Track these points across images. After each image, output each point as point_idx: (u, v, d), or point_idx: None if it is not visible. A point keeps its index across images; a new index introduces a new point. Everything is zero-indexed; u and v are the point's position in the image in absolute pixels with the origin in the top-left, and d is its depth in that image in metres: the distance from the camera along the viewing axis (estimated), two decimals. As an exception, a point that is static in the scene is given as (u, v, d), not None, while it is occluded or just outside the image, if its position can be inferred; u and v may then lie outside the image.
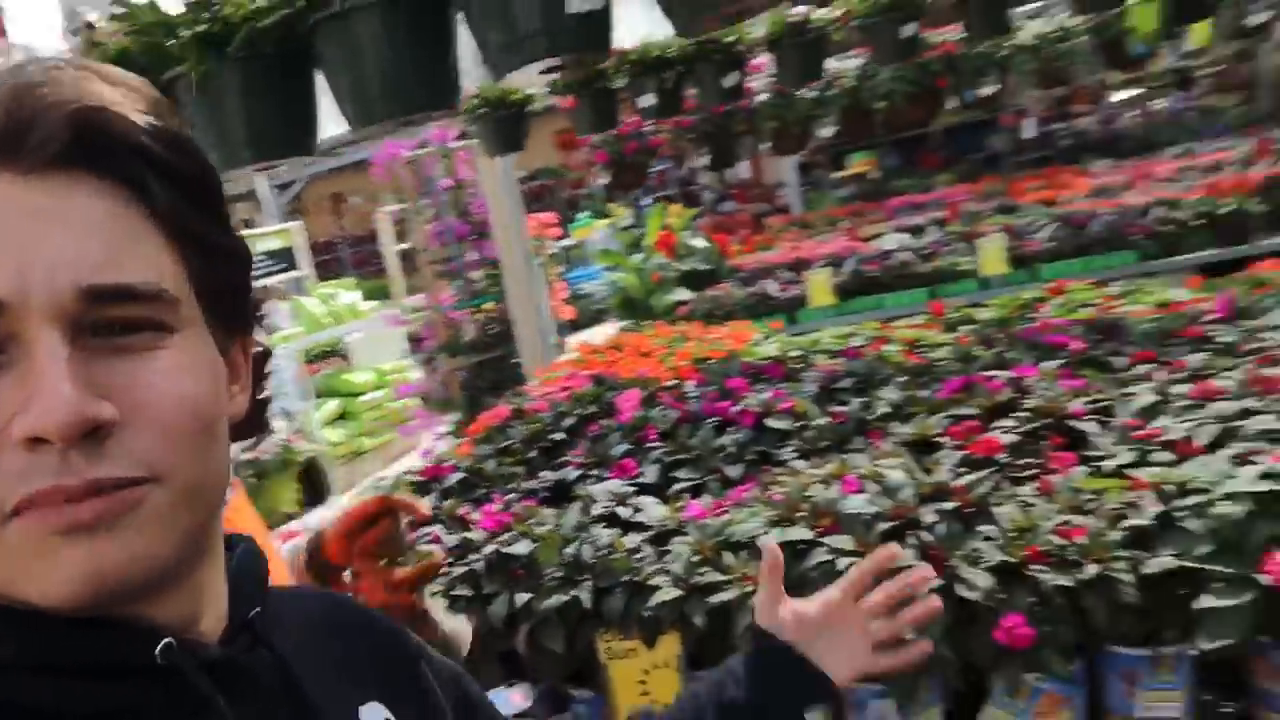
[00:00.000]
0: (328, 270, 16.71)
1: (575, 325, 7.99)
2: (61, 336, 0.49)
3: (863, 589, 1.05)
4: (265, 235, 9.27)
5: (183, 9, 1.37)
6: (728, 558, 1.75)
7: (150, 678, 0.53)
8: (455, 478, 2.47)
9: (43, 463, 0.48)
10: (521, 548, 1.94)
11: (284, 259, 8.98)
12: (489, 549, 1.98)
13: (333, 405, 7.71)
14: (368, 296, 10.38)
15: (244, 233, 8.99)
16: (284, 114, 1.45)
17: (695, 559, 1.78)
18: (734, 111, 5.00)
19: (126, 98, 0.53)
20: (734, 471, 2.18)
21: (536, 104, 3.44)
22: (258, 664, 0.60)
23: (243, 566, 0.62)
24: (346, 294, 8.56)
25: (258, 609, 0.61)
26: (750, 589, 1.65)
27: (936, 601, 1.04)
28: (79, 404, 0.48)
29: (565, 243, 10.97)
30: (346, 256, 17.71)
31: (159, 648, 0.53)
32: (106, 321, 0.50)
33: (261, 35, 1.33)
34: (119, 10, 1.39)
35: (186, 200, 0.54)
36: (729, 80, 3.20)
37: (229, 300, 0.59)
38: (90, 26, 1.66)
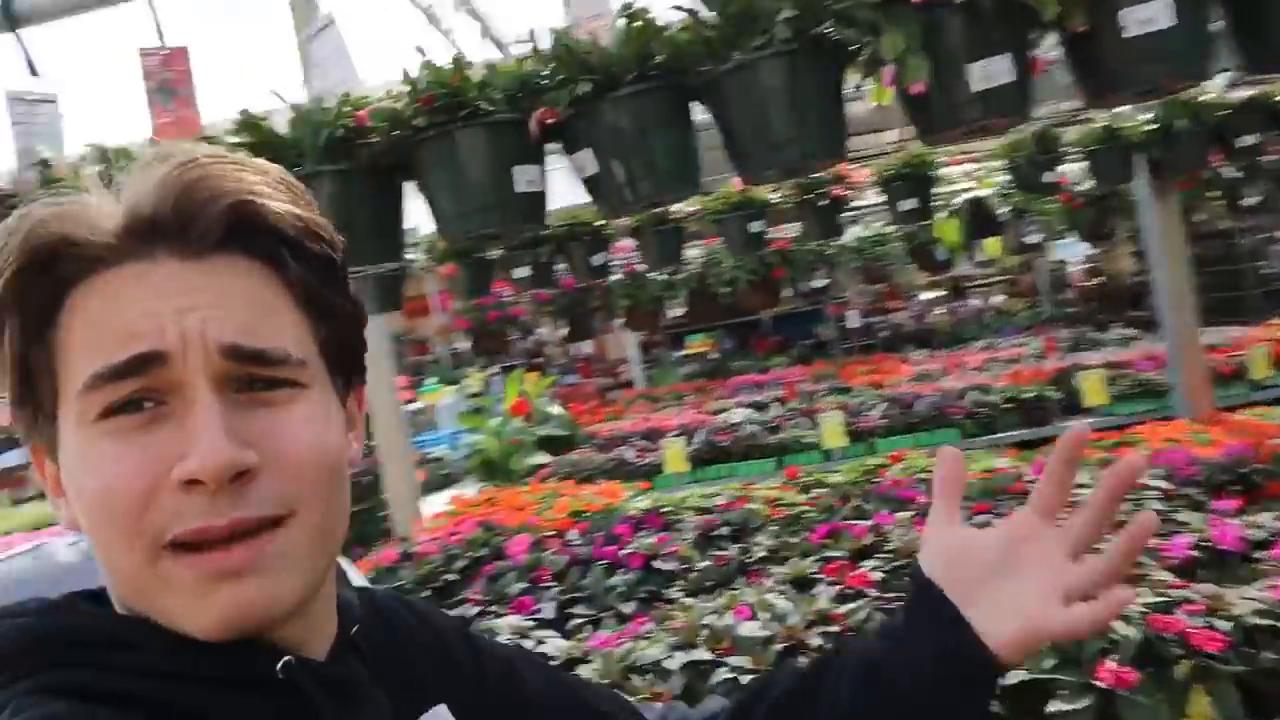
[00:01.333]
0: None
1: (424, 487, 7.95)
2: (213, 389, 0.57)
3: (1058, 504, 0.77)
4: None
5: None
6: (636, 680, 1.89)
7: (271, 690, 0.61)
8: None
9: (195, 504, 0.56)
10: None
11: None
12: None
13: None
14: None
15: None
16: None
17: (605, 683, 1.91)
18: (589, 289, 5.38)
19: (272, 187, 0.62)
20: (628, 608, 2.34)
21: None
22: (357, 675, 0.68)
23: (344, 591, 0.71)
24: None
25: (356, 627, 0.70)
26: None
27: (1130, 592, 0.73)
28: (229, 451, 0.56)
29: (412, 406, 10.98)
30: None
31: (280, 664, 0.60)
32: (249, 378, 0.59)
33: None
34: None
35: (315, 273, 0.63)
36: (597, 259, 3.55)
37: (348, 356, 0.67)
38: (45, 164, 1.79)
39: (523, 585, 2.49)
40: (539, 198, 1.74)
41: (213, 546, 0.57)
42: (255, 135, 1.53)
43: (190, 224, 0.58)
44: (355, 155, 1.53)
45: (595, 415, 7.53)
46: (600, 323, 6.19)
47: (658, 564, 2.50)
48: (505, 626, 2.24)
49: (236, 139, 1.55)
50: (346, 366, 0.67)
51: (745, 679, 1.75)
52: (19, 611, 0.60)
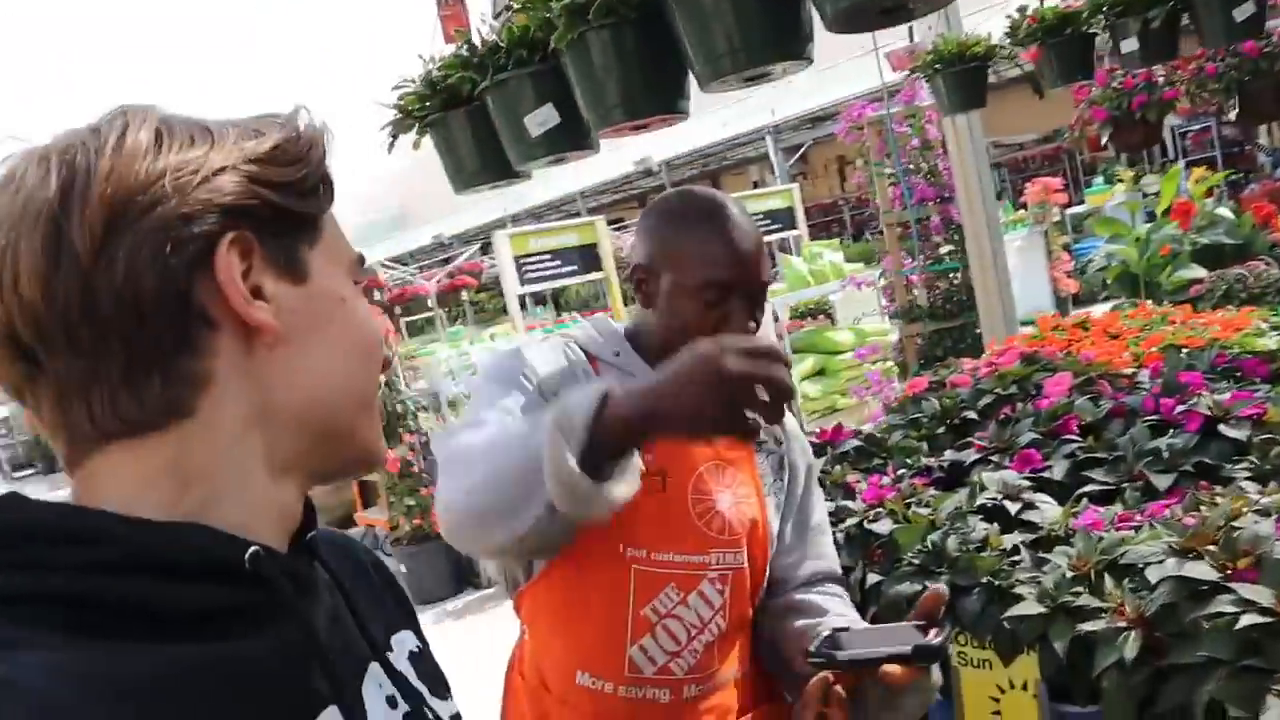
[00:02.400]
0: (830, 231, 17.10)
1: (1078, 300, 7.24)
2: None
3: None
4: (768, 195, 9.72)
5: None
6: (1109, 582, 1.47)
7: (237, 582, 0.58)
8: (851, 444, 2.39)
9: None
10: (883, 527, 1.82)
11: (784, 219, 9.35)
12: (853, 522, 1.89)
13: (810, 361, 7.90)
14: (859, 258, 10.41)
15: (750, 193, 9.50)
16: (648, 76, 1.49)
17: (1071, 575, 1.53)
18: (1276, 52, 4.07)
19: None
20: (1162, 482, 1.82)
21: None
22: (317, 578, 0.67)
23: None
24: (830, 254, 8.65)
25: (314, 531, 0.67)
26: (1124, 625, 1.37)
27: None
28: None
29: (1076, 209, 9.97)
30: (848, 218, 17.93)
31: (248, 554, 0.57)
32: None
33: (619, 1, 1.38)
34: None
35: None
36: (1241, 12, 2.60)
37: None
38: (509, 8, 1.84)
39: (1036, 435, 2.09)
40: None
41: None
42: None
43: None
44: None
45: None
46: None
47: (1224, 429, 1.88)
48: (995, 482, 1.91)
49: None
50: None
51: (1247, 621, 1.23)
52: None
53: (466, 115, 1.89)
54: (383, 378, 0.80)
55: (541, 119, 1.72)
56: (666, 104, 1.55)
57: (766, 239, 8.27)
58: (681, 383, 0.96)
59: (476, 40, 1.79)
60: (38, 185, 0.55)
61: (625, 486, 1.03)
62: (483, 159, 1.94)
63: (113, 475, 0.58)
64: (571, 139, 1.76)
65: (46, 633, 0.52)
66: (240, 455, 0.60)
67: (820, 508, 1.51)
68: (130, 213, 0.55)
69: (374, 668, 0.67)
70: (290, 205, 0.62)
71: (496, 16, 1.84)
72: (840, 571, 1.51)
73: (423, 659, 0.75)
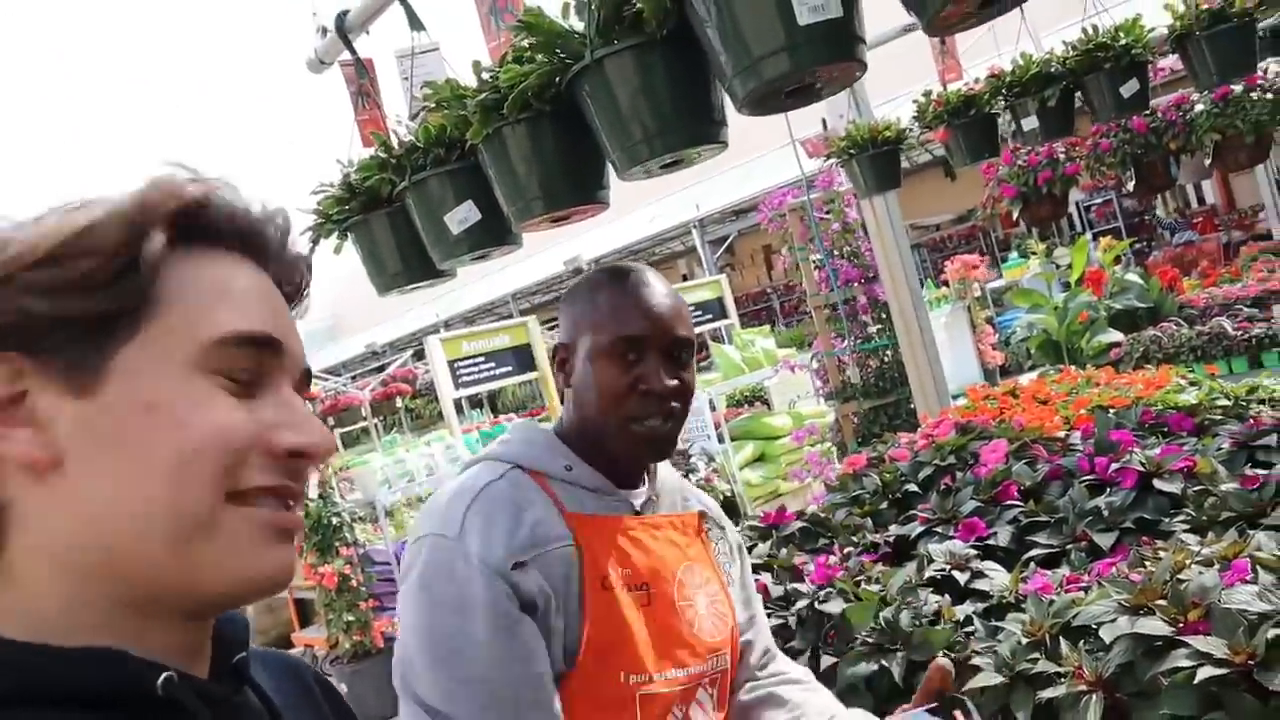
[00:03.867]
0: (760, 319, 17.39)
1: (1005, 371, 7.40)
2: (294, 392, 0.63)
3: None
4: (697, 286, 9.87)
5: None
6: (1064, 646, 1.45)
7: (148, 710, 0.54)
8: (795, 526, 2.36)
9: (285, 468, 0.59)
10: (834, 606, 1.79)
11: (714, 308, 9.48)
12: (803, 604, 1.85)
13: (750, 449, 7.91)
14: (790, 343, 10.55)
15: (680, 285, 9.54)
16: (565, 167, 1.49)
17: (1026, 642, 1.51)
18: (1161, 126, 4.30)
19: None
20: (1105, 540, 1.83)
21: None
22: (246, 706, 0.62)
23: (232, 614, 0.64)
24: (762, 340, 8.77)
25: (244, 654, 0.63)
26: (1084, 689, 1.35)
27: None
28: (333, 440, 0.63)
29: (994, 284, 10.29)
30: (777, 305, 18.28)
31: (160, 680, 0.53)
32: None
33: (533, 96, 1.39)
34: (428, 91, 1.55)
35: None
36: (1127, 89, 2.74)
37: None
38: (425, 109, 1.85)
39: (978, 503, 2.09)
40: (839, 26, 1.25)
41: (274, 507, 0.59)
42: (538, 33, 1.40)
43: (281, 260, 0.66)
44: (640, 27, 1.31)
45: (1208, 279, 6.26)
46: (1189, 167, 5.00)
47: (1159, 483, 1.91)
48: (942, 553, 1.90)
49: (523, 42, 1.43)
50: None
51: (1204, 674, 1.22)
52: None
53: (387, 216, 1.88)
54: (314, 483, 0.75)
55: (461, 216, 1.71)
56: (586, 194, 1.55)
57: (698, 329, 8.34)
58: None
59: (394, 142, 1.79)
60: None
61: None
62: (404, 259, 1.92)
63: None
64: (493, 235, 1.75)
65: None
66: (81, 592, 0.55)
67: (749, 574, 1.47)
68: None
69: None
70: (68, 311, 0.54)
71: (413, 118, 1.85)
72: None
73: None
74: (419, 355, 15.51)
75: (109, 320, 0.55)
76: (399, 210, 1.85)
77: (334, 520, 5.68)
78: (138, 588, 0.55)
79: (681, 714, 1.24)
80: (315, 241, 2.00)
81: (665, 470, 1.40)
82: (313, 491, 5.61)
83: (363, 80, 2.01)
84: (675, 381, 1.25)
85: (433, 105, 1.58)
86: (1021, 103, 3.09)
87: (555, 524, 1.20)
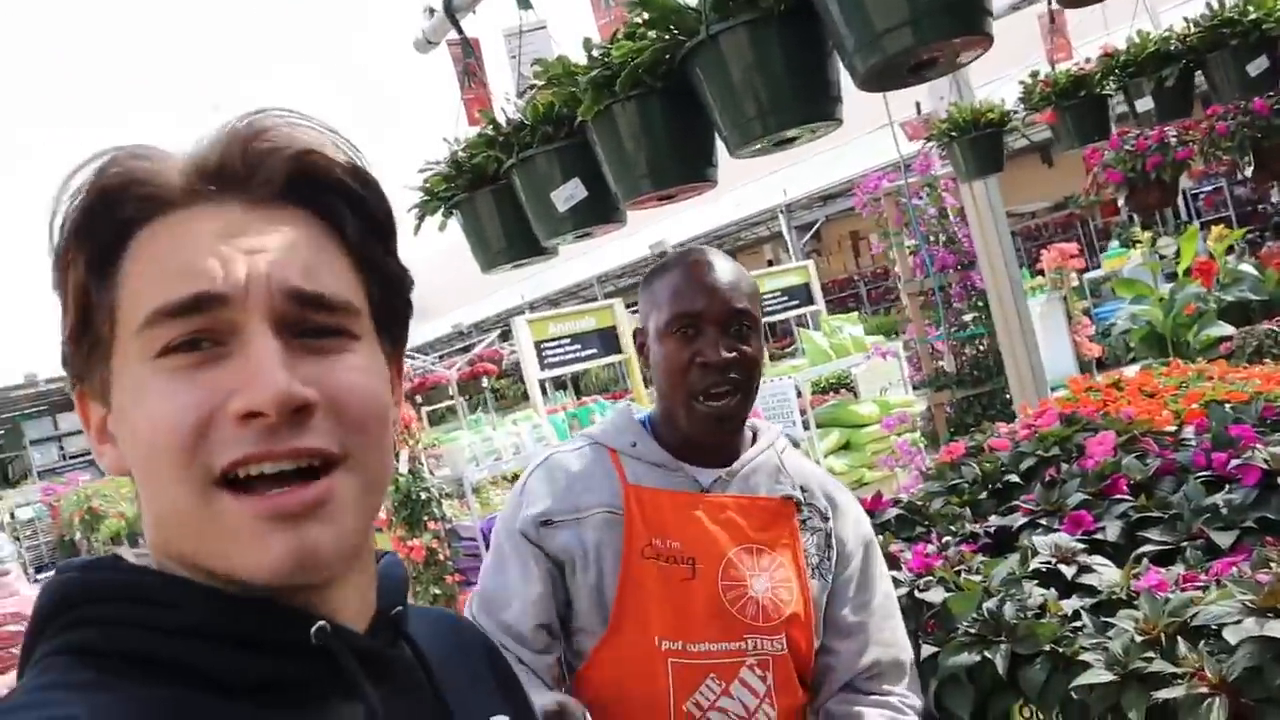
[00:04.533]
0: (847, 306, 17.14)
1: (1102, 364, 7.16)
2: (272, 331, 0.57)
3: None
4: (784, 272, 9.78)
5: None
6: (1181, 646, 1.40)
7: (304, 656, 0.57)
8: (892, 512, 2.32)
9: (253, 434, 0.55)
10: (934, 595, 1.75)
11: (800, 294, 9.39)
12: (902, 592, 1.82)
13: (835, 436, 7.82)
14: (878, 331, 10.38)
15: (765, 270, 9.51)
16: (675, 145, 1.49)
17: (1140, 640, 1.46)
18: (1284, 107, 4.09)
19: (334, 144, 0.62)
20: (1224, 539, 1.75)
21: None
22: (399, 659, 0.64)
23: (389, 570, 0.67)
24: (850, 327, 8.65)
25: (400, 608, 0.65)
26: (1206, 691, 1.30)
27: None
28: (289, 384, 0.55)
29: (1092, 274, 9.95)
30: (864, 292, 18.00)
31: (314, 629, 0.57)
32: (305, 325, 0.58)
33: (645, 72, 1.39)
34: (537, 69, 1.56)
35: (372, 233, 0.63)
36: (1255, 67, 2.61)
37: (396, 319, 0.67)
38: (534, 86, 1.86)
39: (1085, 496, 2.02)
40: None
41: (270, 487, 0.55)
42: (653, 9, 1.39)
43: (254, 172, 0.59)
44: (757, 2, 1.30)
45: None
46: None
47: (1284, 482, 1.82)
48: (1047, 545, 1.85)
49: (637, 17, 1.43)
50: (393, 329, 0.67)
51: (1340, 676, 1.16)
52: (67, 567, 0.61)
53: (492, 194, 1.90)
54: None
55: (568, 194, 1.72)
56: (694, 172, 1.54)
57: (783, 315, 8.22)
58: None
59: (501, 119, 1.81)
60: None
61: None
62: (508, 237, 1.94)
63: None
64: (598, 212, 1.76)
65: (118, 680, 0.53)
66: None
67: (883, 587, 1.46)
68: None
69: None
70: (72, 337, 0.61)
71: (520, 95, 1.86)
72: (908, 657, 1.45)
73: None
74: (505, 336, 15.73)
75: (95, 339, 0.59)
76: (504, 188, 1.87)
77: (422, 495, 5.81)
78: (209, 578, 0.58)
79: (720, 688, 1.28)
80: (421, 219, 2.04)
81: (760, 454, 1.41)
82: (403, 466, 5.74)
83: (469, 59, 2.04)
84: (733, 354, 1.29)
85: (543, 82, 1.59)
86: (1136, 83, 2.97)
87: (607, 492, 1.34)
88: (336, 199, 0.61)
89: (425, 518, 5.79)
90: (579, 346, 7.47)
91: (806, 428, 7.20)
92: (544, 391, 9.34)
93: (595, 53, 1.52)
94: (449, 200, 1.96)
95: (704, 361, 1.29)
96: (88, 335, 0.60)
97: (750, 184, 15.70)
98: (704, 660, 1.27)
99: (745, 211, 15.69)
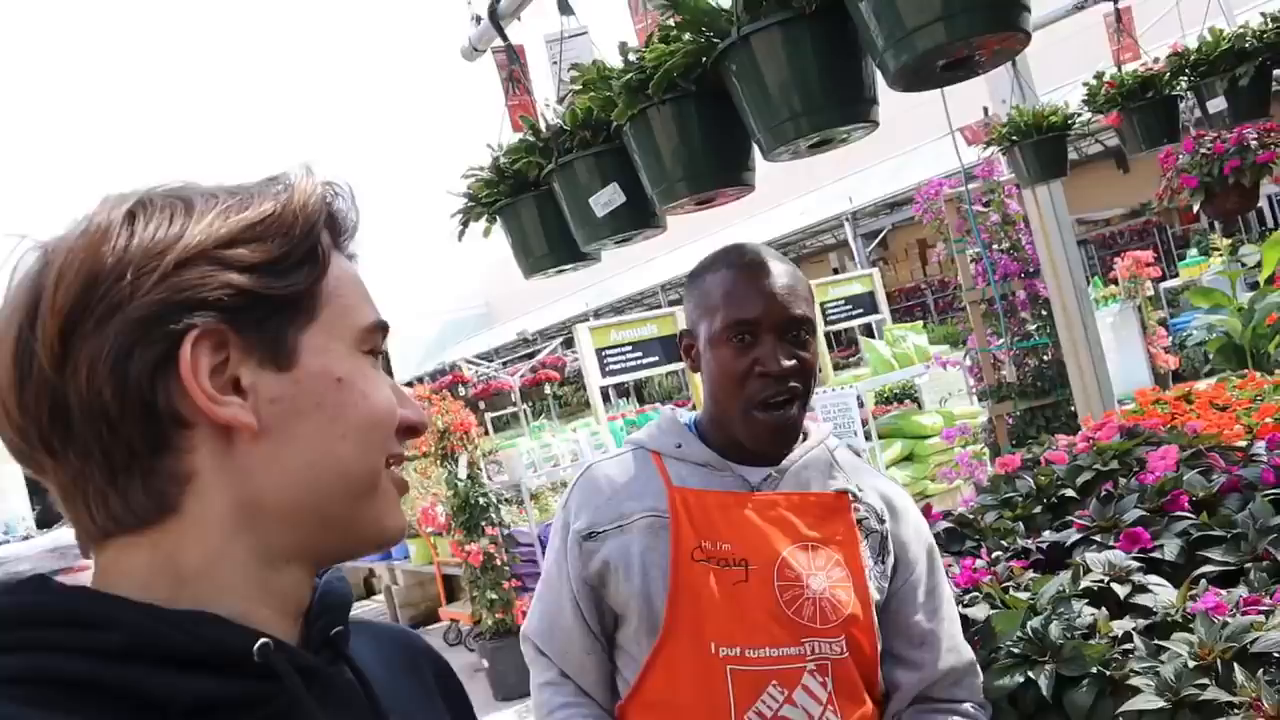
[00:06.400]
0: (914, 315, 16.87)
1: (1178, 376, 6.91)
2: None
3: None
4: (848, 280, 9.66)
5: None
6: (1238, 673, 1.33)
7: (246, 676, 0.56)
8: (941, 525, 2.26)
9: (400, 440, 0.66)
10: (979, 612, 1.70)
11: (865, 303, 9.27)
12: (946, 609, 1.77)
13: (898, 447, 7.68)
14: (943, 340, 10.18)
15: (829, 279, 9.41)
16: (710, 148, 1.47)
17: (1194, 665, 1.39)
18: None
19: None
20: (1290, 560, 1.66)
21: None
22: (339, 678, 0.64)
23: (332, 587, 0.67)
24: (914, 336, 8.50)
25: (340, 628, 0.65)
26: None
27: None
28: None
29: (1169, 283, 9.63)
30: (931, 301, 17.69)
31: (256, 646, 0.56)
32: None
33: (679, 75, 1.37)
34: (575, 74, 1.56)
35: None
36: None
37: None
38: (573, 91, 1.86)
39: (1143, 512, 1.94)
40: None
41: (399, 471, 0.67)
42: (685, 11, 1.38)
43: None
44: (788, 2, 1.27)
45: None
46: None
47: (1357, 501, 1.72)
48: (1100, 563, 1.78)
49: (669, 20, 1.41)
50: None
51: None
52: None
53: (534, 199, 1.91)
54: (420, 450, 0.80)
55: (606, 199, 1.72)
56: (730, 176, 1.52)
57: (847, 324, 8.13)
58: None
59: (542, 125, 1.81)
60: (19, 289, 0.57)
61: None
62: (550, 242, 1.94)
63: (117, 569, 0.58)
64: (637, 218, 1.74)
65: (46, 712, 0.51)
66: (234, 548, 0.59)
67: (948, 593, 1.42)
68: (87, 321, 0.55)
69: None
70: (269, 288, 0.59)
71: (560, 101, 1.86)
72: (971, 657, 1.42)
73: None
74: (568, 343, 15.83)
75: (297, 301, 0.61)
76: (546, 193, 1.87)
77: (481, 500, 5.86)
78: (293, 542, 0.61)
79: (783, 696, 1.22)
80: (465, 224, 2.05)
81: (812, 450, 1.36)
82: (461, 472, 5.80)
83: (514, 66, 2.05)
84: (793, 362, 1.25)
85: (579, 87, 1.59)
86: (1208, 83, 2.85)
87: (651, 496, 1.31)
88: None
89: (484, 523, 5.84)
90: (640, 354, 7.47)
91: (869, 438, 7.08)
92: (607, 398, 9.37)
93: (630, 57, 1.51)
94: (492, 205, 1.97)
95: (764, 371, 1.25)
96: (291, 306, 0.61)
97: (815, 191, 15.57)
98: (764, 667, 1.22)
99: (811, 219, 15.56)
